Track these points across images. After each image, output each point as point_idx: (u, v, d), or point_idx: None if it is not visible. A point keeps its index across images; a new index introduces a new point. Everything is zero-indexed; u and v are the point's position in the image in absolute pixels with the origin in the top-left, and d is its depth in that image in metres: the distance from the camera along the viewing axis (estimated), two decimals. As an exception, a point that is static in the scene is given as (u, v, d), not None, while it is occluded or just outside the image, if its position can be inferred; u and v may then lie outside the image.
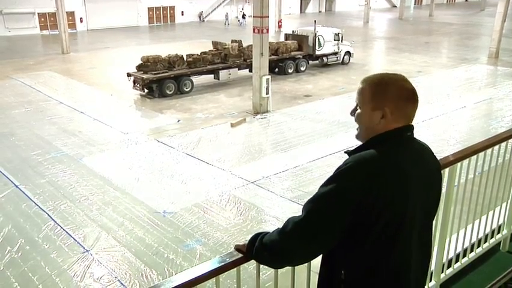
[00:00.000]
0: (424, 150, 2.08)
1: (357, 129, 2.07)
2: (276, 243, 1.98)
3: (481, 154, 3.41)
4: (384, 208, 1.84)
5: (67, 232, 9.47)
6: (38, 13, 41.32)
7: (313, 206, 1.90)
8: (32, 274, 8.18)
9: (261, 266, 2.18)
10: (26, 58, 28.98)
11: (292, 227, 1.93)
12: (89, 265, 8.43)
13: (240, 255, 2.15)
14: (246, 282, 2.85)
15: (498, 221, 3.90)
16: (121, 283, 7.99)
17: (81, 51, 32.02)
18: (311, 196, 1.94)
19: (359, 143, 2.04)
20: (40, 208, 10.45)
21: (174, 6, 50.09)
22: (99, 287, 7.93)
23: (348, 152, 2.01)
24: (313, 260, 2.62)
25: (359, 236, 1.89)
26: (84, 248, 8.96)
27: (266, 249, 2.01)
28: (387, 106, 1.94)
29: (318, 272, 2.13)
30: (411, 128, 2.01)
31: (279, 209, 10.37)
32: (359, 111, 2.03)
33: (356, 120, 2.06)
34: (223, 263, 2.09)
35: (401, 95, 1.96)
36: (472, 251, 3.65)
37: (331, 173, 1.92)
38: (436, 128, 15.64)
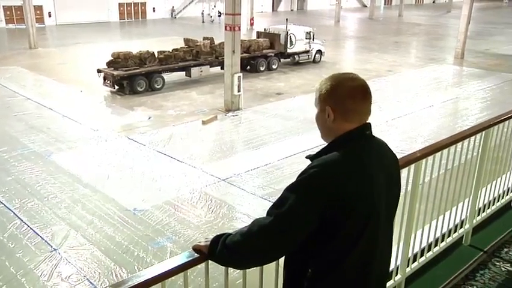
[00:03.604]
0: (383, 147, 2.11)
1: None
2: (239, 245, 1.96)
3: (445, 151, 3.51)
4: (352, 209, 1.86)
5: (33, 231, 9.27)
6: (3, 6, 40.16)
7: (280, 212, 1.88)
8: (-4, 274, 7.99)
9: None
10: (-9, 52, 28.20)
11: (258, 229, 1.92)
12: (57, 264, 8.28)
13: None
14: (217, 280, 2.87)
15: (461, 216, 4.05)
16: (90, 282, 7.88)
17: (50, 47, 31.30)
18: (277, 199, 1.93)
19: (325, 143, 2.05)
20: (5, 206, 10.19)
21: (145, 2, 49.48)
22: (67, 286, 7.80)
23: (310, 157, 2.01)
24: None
25: (325, 235, 1.90)
26: (52, 246, 8.79)
27: (228, 250, 1.99)
28: (329, 105, 1.97)
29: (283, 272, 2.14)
30: (369, 126, 2.03)
31: (250, 207, 10.40)
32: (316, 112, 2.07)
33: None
34: (191, 258, 2.09)
35: (348, 93, 1.96)
36: (436, 245, 3.76)
37: (300, 172, 1.92)
38: (405, 126, 15.94)
